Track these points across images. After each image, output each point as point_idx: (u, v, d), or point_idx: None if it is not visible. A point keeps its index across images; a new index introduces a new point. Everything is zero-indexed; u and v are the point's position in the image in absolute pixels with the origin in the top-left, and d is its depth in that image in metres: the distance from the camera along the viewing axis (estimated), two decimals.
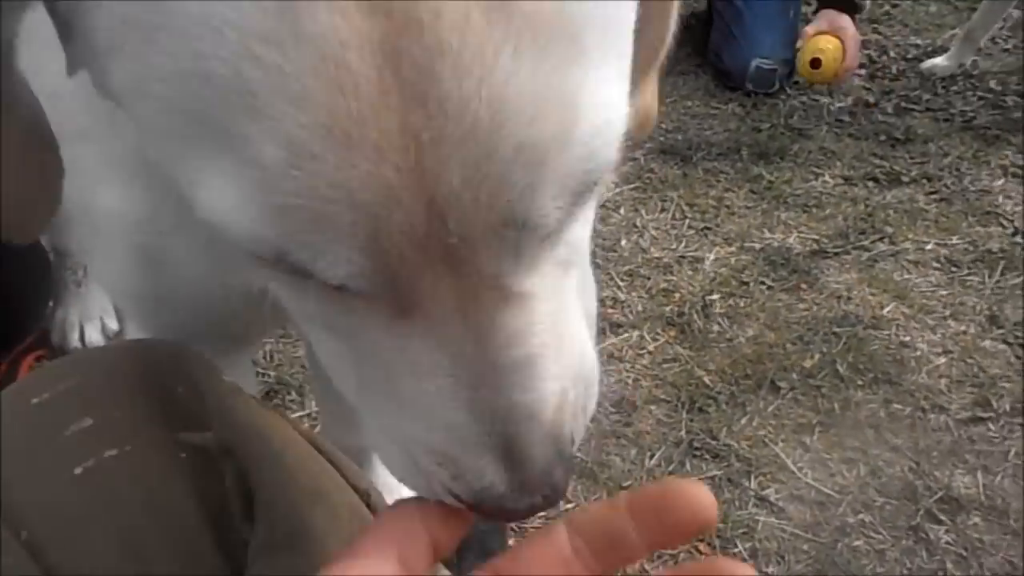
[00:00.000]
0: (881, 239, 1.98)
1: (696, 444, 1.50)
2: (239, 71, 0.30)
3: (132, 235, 0.56)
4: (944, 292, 1.81)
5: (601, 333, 1.74)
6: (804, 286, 1.85)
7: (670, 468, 1.46)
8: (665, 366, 1.67)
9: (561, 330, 0.41)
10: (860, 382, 1.60)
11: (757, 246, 1.98)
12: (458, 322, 0.38)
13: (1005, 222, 2.02)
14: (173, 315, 0.63)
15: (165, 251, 0.56)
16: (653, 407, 1.59)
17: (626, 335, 1.74)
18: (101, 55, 0.34)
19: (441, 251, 0.34)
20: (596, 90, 0.34)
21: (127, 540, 0.47)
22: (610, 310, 1.80)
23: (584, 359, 0.45)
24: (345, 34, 0.29)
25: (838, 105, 2.54)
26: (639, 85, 0.55)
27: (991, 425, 1.49)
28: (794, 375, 1.62)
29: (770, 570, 1.31)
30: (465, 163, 0.32)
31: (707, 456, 1.48)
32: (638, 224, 2.05)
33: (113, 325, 1.63)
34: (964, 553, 1.29)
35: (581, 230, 0.42)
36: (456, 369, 0.39)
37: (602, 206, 2.11)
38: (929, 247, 1.95)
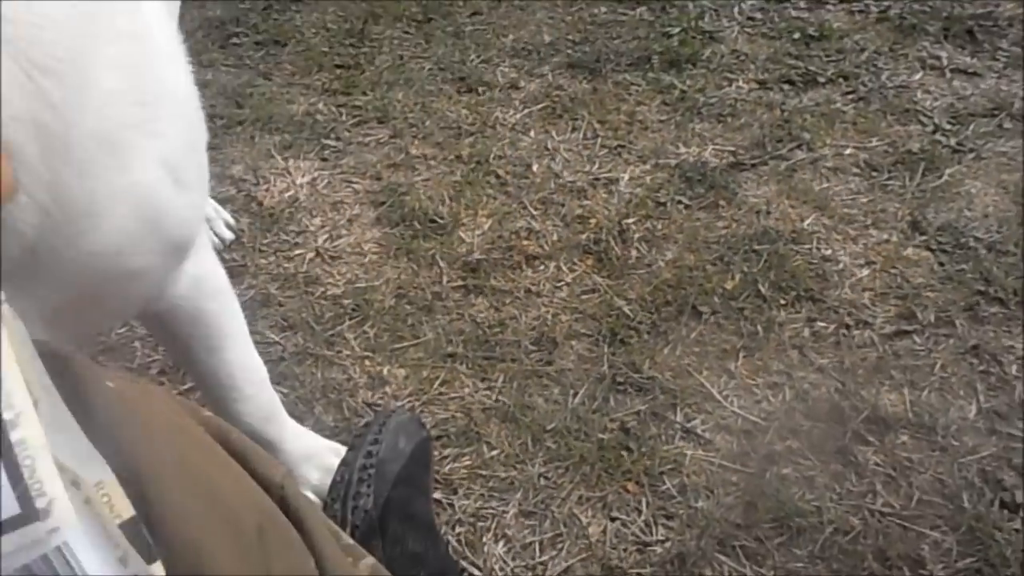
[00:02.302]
0: (799, 146, 1.92)
1: (619, 379, 1.44)
2: None
3: None
4: (865, 199, 1.76)
5: (518, 267, 1.66)
6: (722, 202, 1.78)
7: (594, 406, 1.40)
8: (584, 298, 1.59)
9: None
10: (783, 301, 1.55)
11: (672, 162, 1.89)
12: None
13: (925, 119, 1.97)
14: None
15: None
16: (574, 342, 1.52)
17: (543, 267, 1.65)
18: None
19: None
20: None
21: None
22: (525, 242, 1.71)
23: None
24: None
25: (749, 2, 2.44)
26: None
27: (916, 338, 1.45)
28: (715, 299, 1.56)
29: (699, 504, 1.27)
30: None
31: (631, 390, 1.42)
32: (549, 146, 1.94)
33: None
34: (893, 473, 1.26)
35: None
36: None
37: (511, 129, 2.00)
38: (848, 151, 1.89)
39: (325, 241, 1.73)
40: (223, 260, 1.57)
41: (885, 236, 1.66)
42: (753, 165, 1.88)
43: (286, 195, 1.85)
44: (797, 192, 1.79)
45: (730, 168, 1.87)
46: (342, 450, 1.22)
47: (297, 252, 1.71)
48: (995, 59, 2.10)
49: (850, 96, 2.06)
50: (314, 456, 1.22)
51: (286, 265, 1.68)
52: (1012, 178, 1.76)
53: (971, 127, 1.90)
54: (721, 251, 1.66)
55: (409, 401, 1.42)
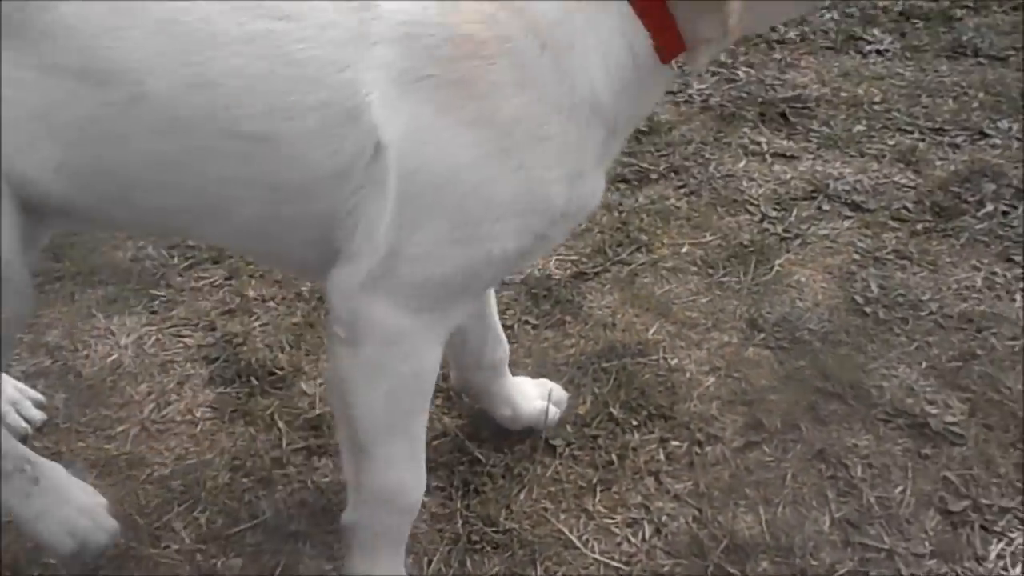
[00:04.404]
0: (638, 249, 1.92)
1: (475, 537, 1.37)
2: None
3: None
4: (704, 299, 1.77)
5: None
6: (568, 318, 1.76)
7: (450, 573, 1.32)
8: (436, 444, 1.52)
9: None
10: (635, 422, 1.52)
11: (517, 278, 1.86)
12: None
13: (752, 207, 2.01)
14: None
15: None
16: (427, 498, 1.43)
17: None
18: None
19: None
20: None
21: None
22: None
23: None
24: None
25: None
26: None
27: (766, 447, 1.45)
28: (568, 428, 1.52)
29: None
30: None
31: (488, 549, 1.35)
32: None
33: None
34: None
35: None
36: None
37: None
38: (684, 249, 1.91)
39: (152, 411, 1.60)
40: (33, 447, 1.43)
41: (726, 338, 1.67)
42: (596, 273, 1.87)
43: (108, 360, 1.71)
44: (640, 299, 1.79)
45: (574, 279, 1.86)
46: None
47: (120, 429, 1.57)
48: (808, 140, 2.18)
49: (682, 190, 2.09)
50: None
51: (107, 447, 1.53)
52: (835, 261, 1.81)
53: (794, 212, 1.95)
54: (571, 372, 1.63)
55: None
